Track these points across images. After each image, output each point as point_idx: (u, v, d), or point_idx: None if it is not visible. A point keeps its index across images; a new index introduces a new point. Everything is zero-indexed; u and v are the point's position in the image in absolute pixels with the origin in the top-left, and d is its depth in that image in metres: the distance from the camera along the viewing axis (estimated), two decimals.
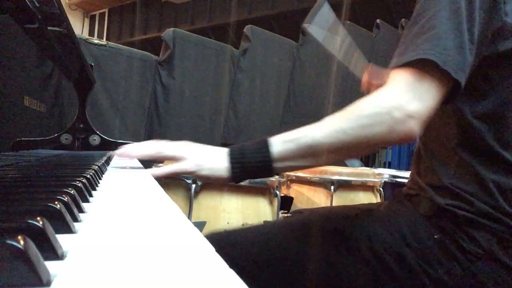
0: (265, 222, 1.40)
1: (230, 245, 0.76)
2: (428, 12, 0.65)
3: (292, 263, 0.74)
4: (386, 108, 0.62)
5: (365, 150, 0.69)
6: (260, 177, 0.72)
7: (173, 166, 0.72)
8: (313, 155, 0.66)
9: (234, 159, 0.68)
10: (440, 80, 0.62)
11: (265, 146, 0.67)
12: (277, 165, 0.67)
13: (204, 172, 0.69)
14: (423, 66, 0.62)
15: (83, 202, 0.43)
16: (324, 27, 1.01)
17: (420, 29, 0.65)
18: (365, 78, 1.00)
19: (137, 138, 2.76)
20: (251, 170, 0.68)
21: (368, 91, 0.98)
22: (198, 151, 0.71)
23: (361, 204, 1.04)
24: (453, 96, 0.64)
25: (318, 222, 0.80)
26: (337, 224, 0.77)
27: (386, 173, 2.30)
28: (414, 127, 0.61)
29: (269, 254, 0.76)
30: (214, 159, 0.69)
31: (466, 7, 0.63)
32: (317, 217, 0.84)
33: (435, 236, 0.69)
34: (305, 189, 2.01)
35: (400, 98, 0.62)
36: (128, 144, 0.79)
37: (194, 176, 0.75)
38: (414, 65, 0.63)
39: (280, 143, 0.67)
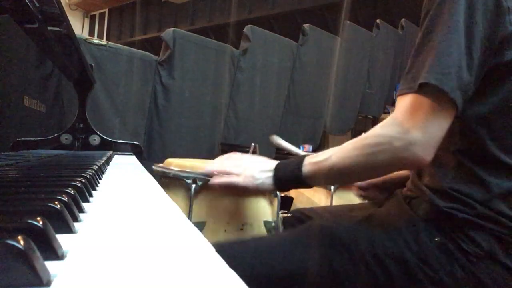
0: (265, 222, 1.40)
1: (229, 257, 0.76)
2: (432, 34, 0.66)
3: (294, 272, 0.74)
4: (387, 138, 0.67)
5: (376, 174, 0.82)
6: (298, 188, 0.88)
7: (231, 179, 0.86)
8: (332, 177, 0.79)
9: (276, 175, 0.83)
10: (446, 109, 0.64)
11: (298, 167, 0.79)
12: (308, 181, 0.79)
13: (254, 187, 0.85)
14: (423, 91, 0.64)
15: (83, 202, 0.43)
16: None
17: (425, 54, 0.66)
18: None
19: (137, 138, 2.76)
20: (289, 185, 0.84)
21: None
22: (252, 167, 0.86)
23: (361, 203, 1.04)
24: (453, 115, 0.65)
25: (319, 230, 0.80)
26: (339, 231, 0.77)
27: None
28: (419, 153, 0.65)
29: (271, 265, 0.76)
30: (263, 175, 0.84)
31: (466, 22, 0.64)
32: (318, 224, 0.84)
33: (436, 239, 0.69)
34: (305, 189, 2.01)
35: (399, 128, 0.66)
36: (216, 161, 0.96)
37: (246, 191, 0.91)
38: (420, 92, 0.65)
39: (309, 164, 0.78)
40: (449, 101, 0.63)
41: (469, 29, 0.64)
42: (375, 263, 0.71)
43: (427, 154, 0.65)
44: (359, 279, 0.72)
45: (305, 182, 0.80)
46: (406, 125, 0.65)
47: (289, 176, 0.81)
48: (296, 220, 1.05)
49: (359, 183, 1.11)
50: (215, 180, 0.90)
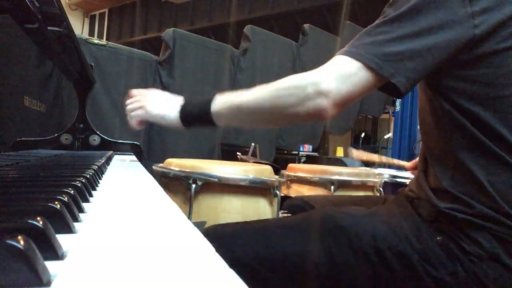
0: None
1: (231, 240, 0.77)
2: (385, 18, 0.68)
3: (294, 261, 0.74)
4: (303, 83, 0.68)
5: (280, 120, 0.79)
6: (204, 125, 0.85)
7: (137, 114, 0.87)
8: (240, 115, 0.79)
9: (183, 109, 0.83)
10: (371, 76, 0.65)
11: (208, 102, 0.79)
12: (215, 117, 0.79)
13: (157, 119, 0.86)
14: (358, 61, 0.66)
15: (83, 202, 0.43)
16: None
17: (373, 29, 0.69)
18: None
19: (137, 138, 2.76)
20: (195, 119, 0.82)
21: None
22: (158, 100, 0.87)
23: (364, 196, 1.04)
24: (398, 93, 0.67)
25: (320, 220, 0.80)
26: (341, 222, 0.77)
27: (386, 173, 2.30)
28: (323, 105, 0.66)
29: (271, 250, 0.76)
30: (168, 108, 0.85)
31: (428, 18, 0.65)
32: (319, 214, 0.84)
33: (437, 238, 0.69)
34: (305, 189, 2.01)
35: (319, 77, 0.67)
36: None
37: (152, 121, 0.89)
38: (350, 56, 0.67)
39: (218, 102, 0.79)
40: (379, 78, 0.65)
41: (431, 24, 0.65)
42: (376, 256, 0.71)
43: (331, 108, 0.66)
44: (359, 270, 0.72)
45: (211, 118, 0.79)
46: (325, 76, 0.66)
47: (196, 110, 0.81)
48: (298, 207, 1.05)
49: (413, 163, 1.16)
50: (132, 121, 0.90)
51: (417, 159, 1.14)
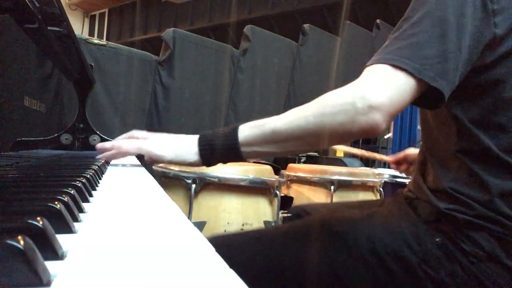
0: (265, 222, 1.40)
1: (230, 249, 0.77)
2: (412, 18, 0.65)
3: (293, 267, 0.74)
4: (350, 98, 0.62)
5: (327, 140, 0.69)
6: (230, 161, 0.73)
7: (140, 143, 0.77)
8: (276, 141, 0.68)
9: (203, 143, 0.73)
10: (412, 83, 0.62)
11: (234, 131, 0.70)
12: (244, 149, 0.70)
13: (169, 157, 0.74)
14: (397, 68, 0.62)
15: (83, 202, 0.43)
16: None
17: (402, 33, 0.65)
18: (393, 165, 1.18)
19: None
20: (220, 154, 0.72)
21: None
22: (165, 136, 0.77)
23: (362, 201, 1.04)
24: (437, 101, 0.64)
25: (318, 225, 0.80)
26: (338, 227, 0.77)
27: (386, 173, 2.30)
28: (377, 119, 0.61)
29: (269, 259, 0.76)
30: (181, 143, 0.74)
31: (455, 16, 0.63)
32: (317, 219, 0.84)
33: (437, 239, 0.69)
34: (305, 189, 2.01)
35: (365, 90, 0.62)
36: (108, 141, 0.84)
37: (161, 161, 0.78)
38: (388, 65, 0.63)
39: (248, 129, 0.70)
40: (414, 81, 0.62)
41: (458, 23, 0.63)
42: (375, 259, 0.71)
43: (383, 122, 0.62)
44: (358, 274, 0.72)
45: (239, 150, 0.70)
46: (374, 88, 0.61)
47: (221, 144, 0.70)
48: (296, 217, 1.05)
49: (393, 158, 1.14)
50: (125, 145, 0.78)
51: (399, 154, 1.14)
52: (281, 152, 0.71)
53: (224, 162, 0.74)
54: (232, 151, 0.70)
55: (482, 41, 0.65)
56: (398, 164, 1.17)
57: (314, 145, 0.72)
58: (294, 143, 0.68)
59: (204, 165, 0.74)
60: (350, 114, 0.61)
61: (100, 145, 0.85)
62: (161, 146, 0.76)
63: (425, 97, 0.64)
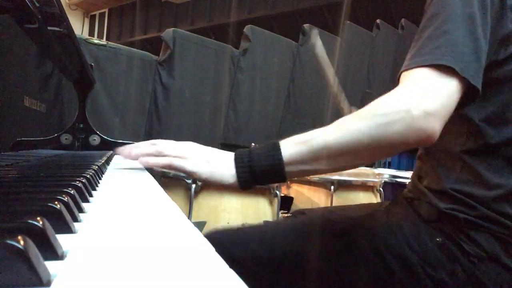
0: (265, 222, 1.40)
1: (231, 244, 0.77)
2: (440, 16, 0.63)
3: (293, 263, 0.74)
4: (405, 106, 0.58)
5: (383, 152, 0.65)
6: (271, 183, 0.65)
7: (171, 159, 0.67)
8: (327, 157, 0.62)
9: (241, 163, 0.64)
10: (457, 84, 0.60)
11: (276, 149, 0.62)
12: (289, 169, 0.62)
13: (204, 175, 0.65)
14: (441, 69, 0.60)
15: (83, 202, 0.43)
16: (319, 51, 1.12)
17: (434, 32, 0.63)
18: None
19: (137, 138, 2.76)
20: (261, 176, 0.63)
21: None
22: (201, 152, 0.67)
23: (361, 204, 1.04)
24: (470, 100, 0.62)
25: (320, 222, 0.80)
26: (340, 225, 0.77)
27: (386, 173, 2.30)
28: (434, 125, 0.58)
29: (271, 253, 0.76)
30: (217, 162, 0.65)
31: (480, 12, 0.62)
32: (319, 217, 0.84)
33: (437, 239, 0.69)
34: (305, 189, 2.01)
35: (419, 96, 0.59)
36: (130, 145, 0.76)
37: (194, 178, 0.69)
38: (430, 66, 0.61)
39: (292, 145, 0.63)
40: (459, 82, 0.60)
41: (483, 17, 0.63)
42: (376, 258, 0.71)
43: (439, 127, 0.59)
44: (359, 273, 0.72)
45: (283, 171, 0.62)
46: (424, 94, 0.59)
47: (260, 163, 0.63)
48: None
49: None
50: (152, 160, 0.69)
51: None
52: (329, 170, 0.66)
53: (264, 184, 0.66)
54: (275, 172, 0.63)
55: (497, 36, 0.64)
56: None
57: (366, 159, 0.65)
58: (346, 158, 0.62)
59: (241, 188, 0.65)
60: (407, 122, 0.58)
61: (124, 153, 0.75)
62: (195, 164, 0.66)
63: (463, 98, 0.62)
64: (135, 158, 0.72)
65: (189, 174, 0.66)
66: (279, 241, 0.77)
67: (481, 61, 0.61)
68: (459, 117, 0.70)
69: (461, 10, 0.63)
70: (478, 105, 0.67)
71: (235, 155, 0.66)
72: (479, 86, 0.61)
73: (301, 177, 0.67)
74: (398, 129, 0.59)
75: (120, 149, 0.75)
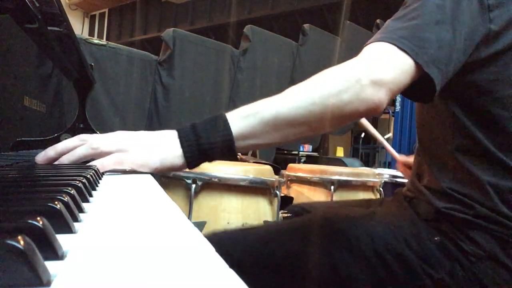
0: (265, 222, 1.40)
1: (231, 245, 0.77)
2: (412, 5, 0.65)
3: (293, 263, 0.74)
4: (355, 75, 0.59)
5: (334, 122, 0.62)
6: (219, 159, 0.62)
7: (116, 158, 0.60)
8: (279, 129, 0.60)
9: (187, 142, 0.60)
10: (412, 64, 0.60)
11: (224, 124, 0.59)
12: (240, 144, 0.60)
13: (155, 165, 0.60)
14: (399, 49, 0.61)
15: (83, 202, 0.43)
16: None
17: (402, 17, 0.65)
18: (400, 167, 1.13)
19: None
20: (209, 152, 0.60)
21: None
22: (141, 139, 0.62)
23: (362, 199, 1.04)
24: (430, 92, 0.63)
25: (319, 222, 0.80)
26: (339, 224, 0.77)
27: (386, 173, 2.30)
28: (382, 95, 0.59)
29: (271, 254, 0.76)
30: (163, 146, 0.60)
31: (452, 6, 0.63)
32: (318, 216, 0.84)
33: (436, 238, 0.69)
34: (305, 189, 2.01)
35: (371, 66, 0.60)
36: (48, 148, 0.65)
37: (145, 171, 0.62)
38: (390, 44, 0.62)
39: (241, 119, 0.60)
40: (417, 68, 0.61)
41: (454, 12, 0.63)
42: (375, 258, 0.71)
43: (386, 97, 0.60)
44: (358, 272, 0.72)
45: (234, 146, 0.59)
46: (377, 65, 0.60)
47: (208, 139, 0.59)
48: (296, 214, 1.05)
49: (406, 160, 1.11)
50: (105, 161, 0.61)
51: (410, 157, 1.13)
52: (281, 142, 0.64)
53: (213, 160, 0.63)
54: (225, 149, 0.60)
55: (477, 35, 0.65)
56: (405, 166, 1.15)
57: (319, 129, 0.63)
58: (299, 129, 0.61)
59: (189, 168, 0.62)
60: (356, 91, 0.58)
61: (45, 157, 0.66)
62: (142, 156, 0.60)
63: (420, 87, 0.63)
64: (64, 160, 0.64)
65: (139, 168, 0.61)
66: (279, 243, 0.78)
67: (442, 52, 0.61)
68: (448, 114, 0.70)
69: (434, 1, 0.63)
70: (464, 104, 0.68)
71: (179, 133, 0.61)
72: (434, 76, 0.60)
73: (249, 150, 0.63)
74: (348, 98, 0.59)
75: (40, 155, 0.66)
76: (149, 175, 0.82)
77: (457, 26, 0.63)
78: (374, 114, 0.63)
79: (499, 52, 0.65)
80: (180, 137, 0.61)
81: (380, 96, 0.59)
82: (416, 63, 0.60)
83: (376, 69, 0.59)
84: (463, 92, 0.68)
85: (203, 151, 0.60)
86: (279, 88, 2.75)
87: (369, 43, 0.65)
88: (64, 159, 0.63)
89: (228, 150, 0.60)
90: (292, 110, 0.59)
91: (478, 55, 0.66)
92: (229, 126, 0.60)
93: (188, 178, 1.33)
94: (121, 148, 0.61)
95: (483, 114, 0.68)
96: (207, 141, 0.59)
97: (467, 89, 0.68)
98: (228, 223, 1.34)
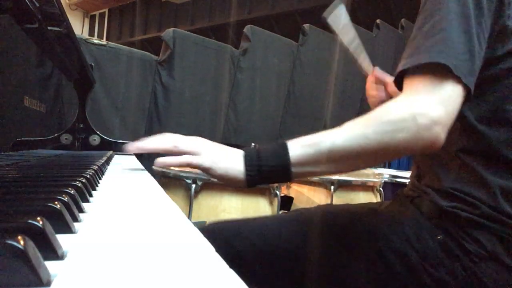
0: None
1: (232, 236, 0.77)
2: (436, 14, 0.64)
3: (294, 258, 0.74)
4: (411, 114, 0.59)
5: (388, 156, 0.66)
6: (277, 182, 0.69)
7: (188, 157, 0.68)
8: (332, 160, 0.63)
9: (250, 161, 0.65)
10: (458, 88, 0.61)
11: (284, 150, 0.64)
12: (295, 170, 0.64)
13: (219, 171, 0.66)
14: (438, 71, 0.61)
15: (83, 202, 0.43)
16: (340, 23, 1.07)
17: (430, 29, 0.63)
18: (369, 80, 1.01)
19: (137, 138, 2.76)
20: (268, 175, 0.64)
21: (372, 99, 0.99)
22: (214, 148, 0.69)
23: (362, 203, 1.04)
24: (465, 100, 0.63)
25: (321, 217, 0.80)
26: (341, 222, 0.77)
27: (386, 173, 2.30)
28: (440, 133, 0.59)
29: (273, 247, 0.76)
30: (230, 159, 0.66)
31: (475, 11, 0.63)
32: (320, 212, 0.84)
33: (438, 237, 0.69)
34: (305, 189, 2.01)
35: (424, 104, 0.60)
36: (139, 141, 0.77)
37: (208, 175, 0.67)
38: (428, 68, 0.61)
39: (299, 147, 0.64)
40: (460, 85, 0.61)
41: (478, 17, 0.63)
42: (376, 255, 0.71)
43: (444, 135, 0.60)
44: (358, 268, 0.72)
45: (290, 171, 0.63)
46: (429, 101, 0.60)
47: (268, 163, 0.64)
48: None
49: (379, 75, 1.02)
50: (169, 160, 0.71)
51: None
52: (334, 172, 0.68)
53: (270, 183, 0.69)
54: (281, 173, 0.64)
55: (494, 32, 0.64)
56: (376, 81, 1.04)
57: (371, 162, 0.67)
58: (351, 162, 0.64)
59: (248, 186, 0.66)
60: (413, 131, 0.59)
61: (136, 146, 0.77)
62: (211, 161, 0.67)
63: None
64: (150, 151, 0.75)
65: (204, 171, 0.67)
66: (280, 235, 0.77)
67: (475, 61, 0.62)
68: None
69: (456, 9, 0.63)
70: (475, 102, 0.68)
71: (244, 153, 0.66)
72: (471, 86, 0.61)
73: (306, 177, 0.69)
74: (404, 137, 0.60)
75: (133, 145, 0.77)
76: (149, 174, 0.82)
77: (481, 32, 0.63)
78: (432, 151, 0.63)
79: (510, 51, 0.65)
80: (245, 156, 0.66)
81: (438, 133, 0.59)
82: (457, 77, 0.60)
83: (431, 107, 0.59)
84: (477, 89, 0.67)
85: (263, 172, 0.64)
86: (279, 88, 2.74)
87: (407, 68, 0.64)
88: (146, 145, 0.75)
89: (284, 174, 0.64)
90: (347, 144, 0.62)
91: (495, 52, 0.65)
92: (288, 153, 0.63)
93: (188, 178, 1.33)
94: (194, 151, 0.68)
95: (493, 112, 0.67)
96: (266, 163, 0.64)
97: (480, 85, 0.66)
98: None
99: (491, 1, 0.64)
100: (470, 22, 0.62)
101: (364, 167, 0.71)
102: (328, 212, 0.80)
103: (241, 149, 0.69)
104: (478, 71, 0.63)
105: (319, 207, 1.01)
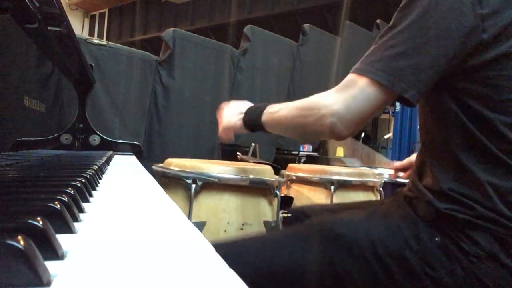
0: (265, 222, 1.40)
1: (230, 258, 0.76)
2: (396, 28, 0.69)
3: (295, 272, 0.74)
4: (318, 105, 0.74)
5: (304, 136, 0.89)
6: (256, 130, 0.96)
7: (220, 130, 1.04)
8: (280, 129, 0.91)
9: (244, 118, 0.96)
10: (383, 93, 0.68)
11: (260, 114, 0.90)
12: (266, 129, 0.91)
13: (230, 129, 1.00)
14: (356, 74, 0.71)
15: (83, 202, 0.43)
16: None
17: (383, 44, 0.70)
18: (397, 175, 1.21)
19: (137, 138, 2.76)
20: (254, 128, 0.94)
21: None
22: (227, 112, 1.02)
23: (362, 201, 1.04)
24: (410, 103, 0.68)
25: (319, 227, 0.80)
26: (339, 228, 0.77)
27: (386, 173, 2.30)
28: (336, 123, 0.71)
29: (272, 264, 0.76)
30: (235, 118, 0.98)
31: (437, 25, 0.65)
32: (318, 221, 0.84)
33: (436, 238, 0.69)
34: (305, 189, 2.01)
35: (331, 99, 0.73)
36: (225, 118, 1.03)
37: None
38: (352, 72, 0.72)
39: (266, 114, 0.90)
40: (374, 88, 0.68)
41: (440, 33, 0.65)
42: (376, 261, 0.71)
43: (344, 129, 0.71)
44: (360, 277, 0.72)
45: (263, 129, 0.92)
46: (336, 97, 0.72)
47: (253, 121, 0.94)
48: (296, 219, 1.05)
49: (398, 165, 1.20)
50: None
51: (403, 162, 1.16)
52: (280, 133, 0.95)
53: (259, 130, 0.95)
54: (259, 128, 0.92)
55: (468, 46, 0.65)
56: (403, 171, 1.16)
57: (298, 136, 0.92)
58: (287, 132, 0.94)
59: (248, 131, 0.97)
60: (316, 118, 0.74)
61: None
62: (229, 121, 1.00)
63: (398, 100, 0.71)
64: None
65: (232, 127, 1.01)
66: (280, 254, 0.77)
67: (421, 75, 0.67)
68: (450, 115, 0.70)
69: (415, 24, 0.66)
70: (463, 105, 0.68)
71: (244, 113, 0.97)
72: (413, 99, 0.67)
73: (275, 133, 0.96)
74: (310, 122, 0.76)
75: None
76: (149, 174, 0.82)
77: (441, 44, 0.65)
78: (339, 139, 0.76)
79: (492, 60, 0.66)
80: (244, 113, 0.97)
81: (336, 125, 0.71)
82: (393, 91, 0.67)
83: (336, 102, 0.71)
84: (461, 96, 0.69)
85: (250, 125, 0.95)
86: (279, 88, 2.74)
87: (351, 71, 0.73)
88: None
89: (261, 129, 0.93)
90: (283, 121, 0.86)
91: (471, 62, 0.67)
92: (261, 115, 0.90)
93: (188, 178, 1.33)
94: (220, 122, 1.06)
95: (480, 117, 0.68)
96: (250, 119, 0.95)
97: (463, 94, 0.69)
98: (228, 223, 1.34)
99: (463, 14, 0.64)
100: (425, 37, 0.66)
101: (295, 138, 1.00)
102: (326, 225, 0.80)
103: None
104: (435, 78, 0.67)
105: (317, 211, 1.01)
